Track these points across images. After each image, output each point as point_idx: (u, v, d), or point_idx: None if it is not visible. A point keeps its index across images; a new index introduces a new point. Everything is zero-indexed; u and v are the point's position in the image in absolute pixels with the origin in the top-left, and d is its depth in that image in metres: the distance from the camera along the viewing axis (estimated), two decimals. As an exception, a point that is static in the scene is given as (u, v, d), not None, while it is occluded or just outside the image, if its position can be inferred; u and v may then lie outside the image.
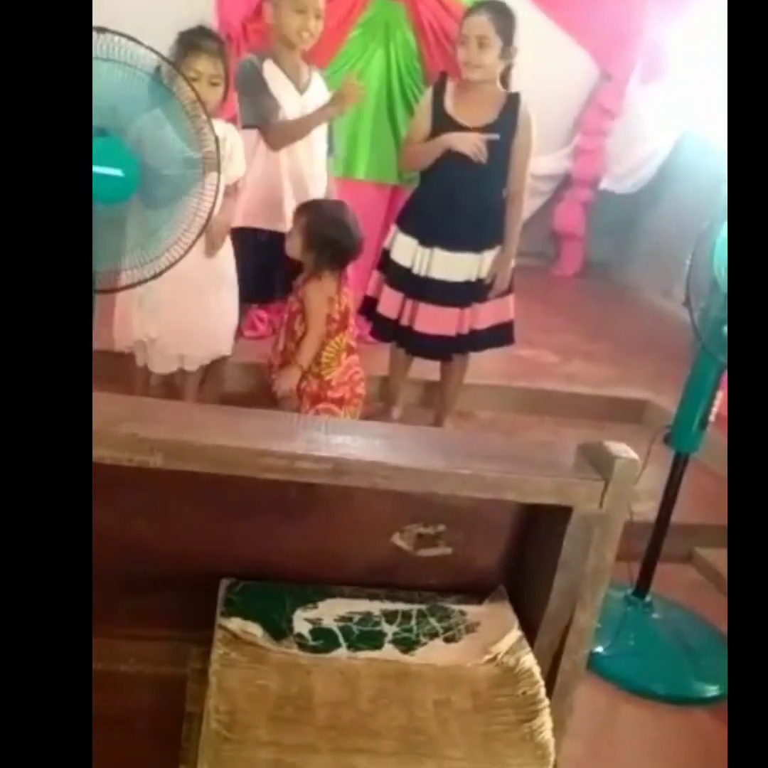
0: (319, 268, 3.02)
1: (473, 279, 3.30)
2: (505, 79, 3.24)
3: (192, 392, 3.15)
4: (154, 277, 2.18)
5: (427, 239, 3.27)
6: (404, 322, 3.36)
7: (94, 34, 1.93)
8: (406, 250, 3.31)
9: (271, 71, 3.21)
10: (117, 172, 2.01)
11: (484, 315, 3.36)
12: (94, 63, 1.96)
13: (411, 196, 3.45)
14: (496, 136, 3.13)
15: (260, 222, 3.31)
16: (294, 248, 3.04)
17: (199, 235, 2.17)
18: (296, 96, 3.26)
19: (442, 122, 3.21)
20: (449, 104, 3.21)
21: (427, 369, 3.61)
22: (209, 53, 2.79)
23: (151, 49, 2.01)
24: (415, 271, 3.29)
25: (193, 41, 2.78)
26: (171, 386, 3.16)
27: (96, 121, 1.96)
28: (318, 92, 3.31)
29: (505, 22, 3.11)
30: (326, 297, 3.05)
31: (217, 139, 2.16)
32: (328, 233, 3.02)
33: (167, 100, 2.08)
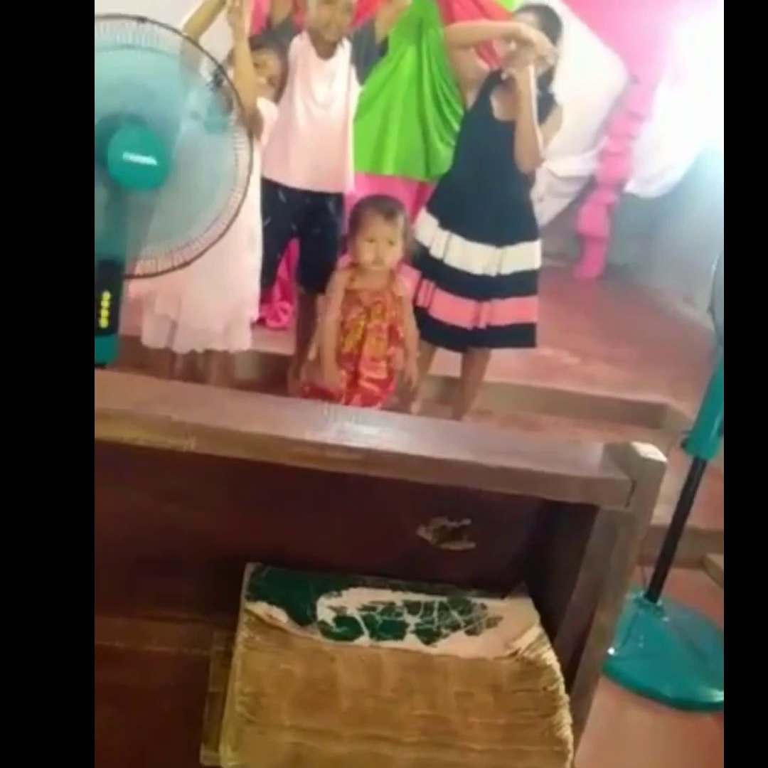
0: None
1: (492, 273, 3.31)
2: (546, 82, 3.26)
3: (215, 378, 3.17)
4: (184, 265, 2.21)
5: (447, 222, 3.31)
6: (420, 303, 3.36)
7: (134, 23, 1.96)
8: (426, 229, 3.35)
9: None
10: (150, 160, 2.03)
11: (503, 312, 3.37)
12: (129, 51, 1.98)
13: (441, 178, 3.54)
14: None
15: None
16: (393, 254, 2.98)
17: (227, 228, 2.20)
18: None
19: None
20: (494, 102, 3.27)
21: (447, 365, 3.62)
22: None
23: (199, 48, 2.05)
24: (433, 252, 3.32)
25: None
26: (194, 373, 3.19)
27: (131, 108, 1.99)
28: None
29: (550, 26, 3.16)
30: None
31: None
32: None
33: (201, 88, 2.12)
